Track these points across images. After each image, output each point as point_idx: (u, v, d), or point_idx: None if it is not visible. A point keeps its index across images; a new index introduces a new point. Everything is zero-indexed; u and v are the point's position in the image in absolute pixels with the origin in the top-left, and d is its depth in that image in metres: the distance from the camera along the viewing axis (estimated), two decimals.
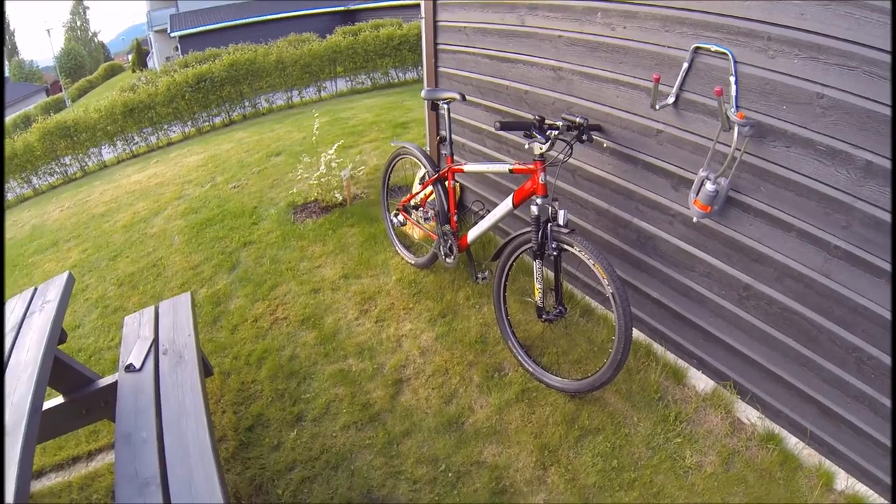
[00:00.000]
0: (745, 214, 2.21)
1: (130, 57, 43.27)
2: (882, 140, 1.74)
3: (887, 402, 1.93)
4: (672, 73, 2.27)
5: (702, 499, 2.18)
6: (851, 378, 2.02)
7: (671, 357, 2.77)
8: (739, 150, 2.08)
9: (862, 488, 2.11)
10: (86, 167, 11.15)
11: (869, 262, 1.87)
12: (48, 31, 47.98)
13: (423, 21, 3.82)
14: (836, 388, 2.09)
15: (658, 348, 2.82)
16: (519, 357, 2.82)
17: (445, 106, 3.09)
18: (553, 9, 2.78)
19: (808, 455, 2.28)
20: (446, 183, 3.19)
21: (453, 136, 3.38)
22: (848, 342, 2.00)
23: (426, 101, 3.54)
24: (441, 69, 3.87)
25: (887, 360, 1.90)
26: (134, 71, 34.77)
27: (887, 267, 1.82)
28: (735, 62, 2.03)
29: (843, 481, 2.17)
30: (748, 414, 2.47)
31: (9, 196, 10.43)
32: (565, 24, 2.73)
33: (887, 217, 1.79)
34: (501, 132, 3.35)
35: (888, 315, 1.86)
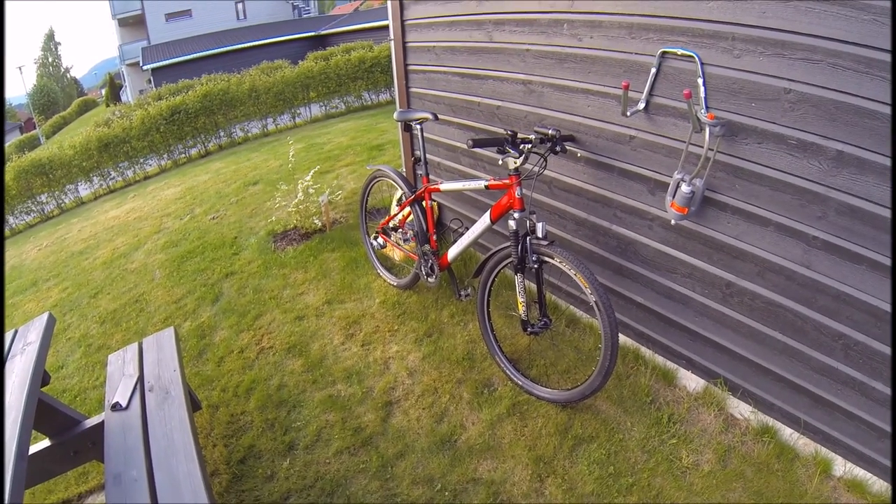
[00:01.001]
0: (722, 213, 2.23)
1: (104, 91, 42.92)
2: (851, 129, 1.77)
3: (877, 385, 1.95)
4: (641, 80, 2.30)
5: (701, 498, 2.18)
6: (840, 365, 2.05)
7: (660, 360, 2.78)
8: (712, 150, 2.10)
9: (860, 472, 2.13)
10: (63, 204, 11.01)
11: (848, 250, 1.90)
12: (20, 68, 46.94)
13: (392, 43, 3.85)
14: (825, 376, 2.11)
15: (646, 352, 2.83)
16: (507, 371, 2.81)
17: (418, 126, 3.09)
18: (519, 23, 2.81)
19: (804, 444, 2.29)
20: (424, 203, 3.17)
21: (428, 155, 3.38)
22: (834, 330, 2.03)
23: (399, 123, 3.55)
24: (413, 90, 3.89)
25: (874, 344, 1.92)
26: (108, 105, 34.62)
27: (866, 253, 1.86)
28: (702, 64, 2.07)
29: (841, 467, 2.18)
30: (741, 409, 2.48)
31: None
32: (532, 38, 2.76)
33: (862, 204, 1.82)
34: (475, 149, 3.36)
35: (872, 300, 1.89)
